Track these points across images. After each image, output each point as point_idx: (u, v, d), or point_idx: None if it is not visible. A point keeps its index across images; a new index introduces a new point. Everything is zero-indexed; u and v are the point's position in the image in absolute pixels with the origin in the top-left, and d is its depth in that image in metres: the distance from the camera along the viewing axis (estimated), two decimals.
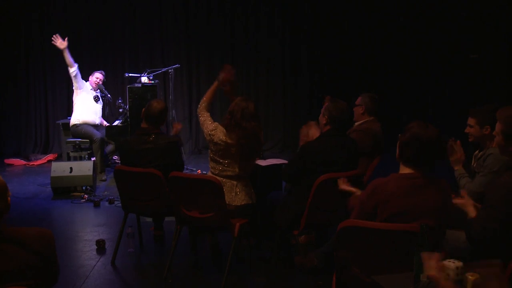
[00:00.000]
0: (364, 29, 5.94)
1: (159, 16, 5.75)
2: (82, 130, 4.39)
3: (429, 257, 1.21)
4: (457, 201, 1.80)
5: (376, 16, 5.89)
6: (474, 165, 2.22)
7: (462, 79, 5.46)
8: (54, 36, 4.37)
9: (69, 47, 4.37)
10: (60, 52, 4.37)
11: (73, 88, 4.51)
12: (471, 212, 1.73)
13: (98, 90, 4.57)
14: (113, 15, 5.69)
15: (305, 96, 5.91)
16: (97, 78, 4.49)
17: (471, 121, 2.22)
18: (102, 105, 4.64)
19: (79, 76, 4.43)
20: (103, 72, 4.62)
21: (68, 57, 4.33)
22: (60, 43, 4.32)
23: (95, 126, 4.49)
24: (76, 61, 4.43)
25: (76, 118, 4.38)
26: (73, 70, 4.35)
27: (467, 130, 2.25)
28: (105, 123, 4.63)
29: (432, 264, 1.17)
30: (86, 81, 4.56)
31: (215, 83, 2.61)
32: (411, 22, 5.74)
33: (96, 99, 4.51)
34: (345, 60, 6.02)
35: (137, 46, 5.73)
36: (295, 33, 6.07)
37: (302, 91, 6.03)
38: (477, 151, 2.25)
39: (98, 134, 4.35)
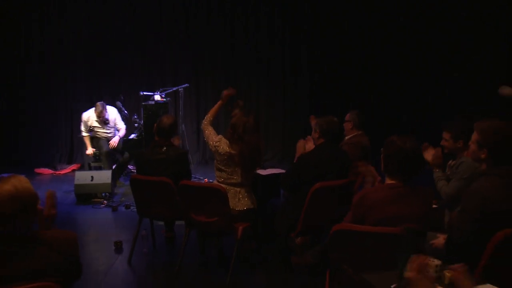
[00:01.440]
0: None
1: (169, 41, 5.93)
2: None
3: (414, 259, 1.28)
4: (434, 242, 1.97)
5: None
6: (449, 173, 2.44)
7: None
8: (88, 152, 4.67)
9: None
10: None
11: None
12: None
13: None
14: (129, 40, 5.85)
15: (303, 113, 5.79)
16: (98, 112, 4.58)
17: (445, 135, 2.44)
18: (108, 131, 4.72)
19: (83, 128, 4.66)
20: (102, 103, 4.66)
21: (88, 143, 4.70)
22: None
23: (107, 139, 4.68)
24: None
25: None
26: (86, 135, 4.66)
27: (442, 143, 2.47)
28: (113, 142, 4.68)
29: (413, 266, 1.24)
30: (90, 109, 4.69)
31: (219, 102, 2.86)
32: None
33: (92, 130, 4.65)
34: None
35: (150, 67, 5.95)
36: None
37: (301, 106, 6.02)
38: (450, 161, 2.48)
39: (103, 148, 4.58)
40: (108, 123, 4.66)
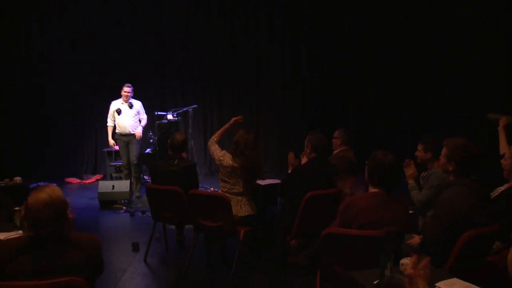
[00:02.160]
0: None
1: (180, 66, 6.14)
2: (119, 150, 5.01)
3: (411, 259, 1.37)
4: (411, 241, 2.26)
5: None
6: (422, 183, 2.77)
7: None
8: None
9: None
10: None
11: None
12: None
13: (127, 102, 4.85)
14: (144, 66, 6.06)
15: (298, 130, 5.90)
16: (124, 92, 4.87)
17: (419, 146, 2.79)
18: (132, 115, 4.87)
19: (109, 117, 4.93)
20: (128, 85, 4.87)
21: (110, 133, 5.01)
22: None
23: (129, 135, 4.88)
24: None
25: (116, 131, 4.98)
26: (110, 125, 4.96)
27: (416, 153, 2.81)
28: (138, 133, 4.88)
29: (410, 264, 1.32)
30: (119, 99, 4.94)
31: (226, 125, 3.14)
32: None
33: (118, 111, 4.84)
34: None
35: (164, 90, 6.18)
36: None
37: (295, 123, 6.10)
38: (423, 172, 2.80)
39: (125, 160, 4.87)
40: (132, 107, 4.87)
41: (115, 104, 4.96)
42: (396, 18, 5.79)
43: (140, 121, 5.00)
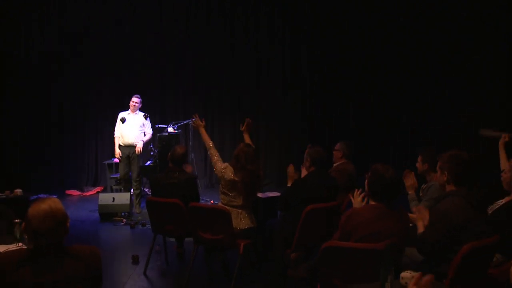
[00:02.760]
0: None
1: (182, 80, 6.18)
2: (119, 161, 4.94)
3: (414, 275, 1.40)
4: (411, 215, 2.30)
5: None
6: (421, 195, 2.83)
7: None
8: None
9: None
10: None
11: None
12: (420, 226, 2.18)
13: (134, 113, 4.82)
14: (147, 80, 6.10)
15: (298, 144, 5.92)
16: (132, 102, 4.85)
17: (419, 158, 2.88)
18: (138, 126, 4.82)
19: (116, 127, 4.88)
20: (137, 96, 4.87)
21: (117, 145, 4.87)
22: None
23: (131, 147, 4.81)
24: (117, 115, 4.86)
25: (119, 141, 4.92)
26: (117, 136, 4.87)
27: (416, 165, 2.90)
28: (138, 148, 4.83)
29: (413, 281, 1.34)
30: (126, 110, 4.90)
31: (245, 134, 3.23)
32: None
33: (122, 120, 4.82)
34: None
35: (164, 103, 6.21)
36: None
37: (295, 136, 6.13)
38: (423, 185, 2.85)
39: (123, 172, 4.81)
40: (141, 118, 4.85)
41: (122, 114, 4.93)
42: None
43: (144, 134, 4.94)
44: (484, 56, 5.28)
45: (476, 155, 2.95)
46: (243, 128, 3.27)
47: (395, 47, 5.83)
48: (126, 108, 4.94)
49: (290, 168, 3.11)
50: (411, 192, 2.77)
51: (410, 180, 2.76)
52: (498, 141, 2.96)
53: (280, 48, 6.14)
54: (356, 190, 2.40)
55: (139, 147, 4.85)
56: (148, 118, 4.98)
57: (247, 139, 3.26)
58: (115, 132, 4.95)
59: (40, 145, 6.09)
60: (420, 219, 2.21)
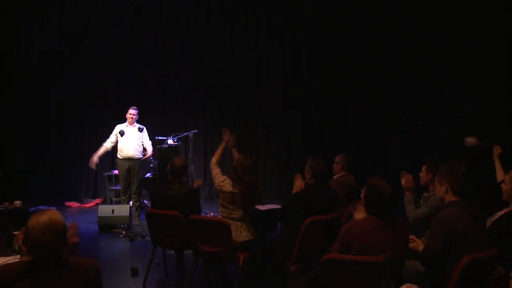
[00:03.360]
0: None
1: (182, 92, 6.18)
2: (118, 174, 4.95)
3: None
4: (411, 245, 2.30)
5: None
6: (421, 202, 2.80)
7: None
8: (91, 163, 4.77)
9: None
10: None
11: None
12: (420, 247, 2.24)
13: (132, 125, 4.78)
14: (147, 94, 6.12)
15: (297, 156, 5.91)
16: (129, 114, 4.80)
17: (423, 167, 2.84)
18: (137, 138, 4.78)
19: (110, 138, 4.82)
20: (134, 107, 4.84)
21: (102, 152, 4.81)
22: (92, 164, 4.79)
23: (131, 160, 4.77)
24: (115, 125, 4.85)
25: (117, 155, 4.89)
26: (109, 147, 4.83)
27: (420, 174, 2.87)
28: (141, 155, 4.82)
29: None
30: (123, 122, 4.87)
31: (223, 144, 3.19)
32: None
33: (121, 133, 4.77)
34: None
35: (164, 115, 6.23)
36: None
37: (294, 148, 6.12)
38: (425, 193, 2.84)
39: (123, 186, 4.78)
40: (142, 131, 4.82)
41: (119, 127, 4.88)
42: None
43: (145, 149, 4.90)
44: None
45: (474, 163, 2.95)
46: (228, 145, 3.21)
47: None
48: (125, 116, 4.91)
49: (298, 178, 3.11)
50: (408, 194, 2.77)
51: (407, 182, 2.77)
52: (485, 149, 2.98)
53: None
54: (358, 202, 2.40)
55: (149, 154, 4.88)
56: (144, 130, 4.92)
57: (236, 154, 3.24)
58: (106, 142, 4.88)
59: (39, 158, 6.11)
60: (419, 244, 2.26)
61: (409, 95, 5.81)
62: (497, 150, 2.94)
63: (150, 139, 5.03)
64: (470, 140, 3.12)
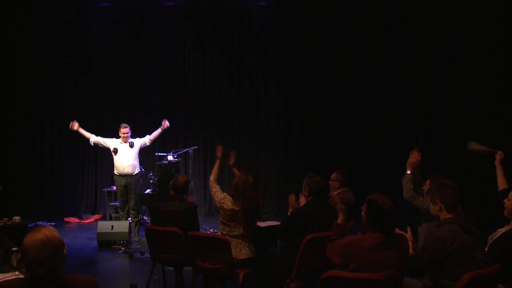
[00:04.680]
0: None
1: (183, 109, 6.31)
2: (116, 190, 4.96)
3: None
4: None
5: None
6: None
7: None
8: (71, 123, 4.82)
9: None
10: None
11: None
12: (410, 247, 2.26)
13: (127, 143, 4.78)
14: (148, 113, 6.24)
15: (296, 174, 5.98)
16: (122, 133, 4.81)
17: (427, 182, 2.82)
18: (132, 155, 4.78)
19: (99, 138, 4.85)
20: (125, 125, 4.82)
21: (84, 134, 4.87)
22: (73, 126, 4.82)
23: (127, 176, 4.78)
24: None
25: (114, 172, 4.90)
26: (91, 141, 4.87)
27: (423, 187, 2.88)
28: (137, 170, 4.84)
29: None
30: (117, 138, 4.89)
31: (218, 161, 3.24)
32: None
33: (114, 151, 4.77)
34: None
35: (165, 131, 6.08)
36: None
37: (293, 167, 6.20)
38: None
39: (121, 203, 4.80)
40: (133, 146, 4.79)
41: (112, 143, 4.87)
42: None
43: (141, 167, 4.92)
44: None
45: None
46: (224, 162, 3.28)
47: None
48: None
49: (291, 197, 3.15)
50: (409, 172, 2.79)
51: (412, 157, 2.77)
52: (487, 156, 2.87)
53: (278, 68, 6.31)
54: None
55: (167, 124, 4.84)
56: (135, 143, 4.85)
57: (236, 172, 3.29)
58: (95, 136, 4.87)
59: (39, 174, 6.14)
60: (410, 239, 2.29)
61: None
62: (500, 156, 2.80)
63: (149, 155, 5.11)
64: (473, 145, 2.97)
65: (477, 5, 4.61)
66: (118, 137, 4.94)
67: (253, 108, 6.40)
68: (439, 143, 5.34)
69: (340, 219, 2.33)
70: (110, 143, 4.89)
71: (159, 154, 5.52)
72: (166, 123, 4.89)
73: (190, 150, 5.58)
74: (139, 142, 4.95)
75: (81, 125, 4.92)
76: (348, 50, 6.16)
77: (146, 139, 4.98)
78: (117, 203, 5.19)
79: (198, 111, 6.39)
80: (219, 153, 3.25)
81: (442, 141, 5.31)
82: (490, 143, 2.96)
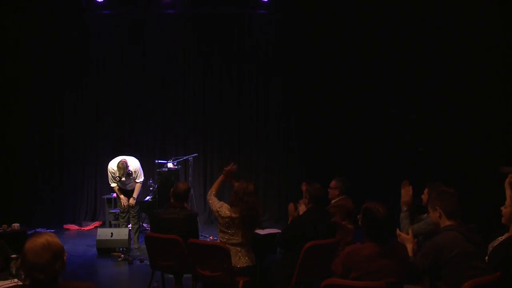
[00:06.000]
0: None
1: (183, 116, 6.33)
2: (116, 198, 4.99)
3: None
4: (402, 235, 2.40)
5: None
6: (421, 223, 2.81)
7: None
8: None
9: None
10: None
11: None
12: (409, 249, 2.30)
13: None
14: (148, 120, 6.28)
15: (295, 181, 5.82)
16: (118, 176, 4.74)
17: (425, 190, 2.90)
18: (130, 181, 4.84)
19: (110, 182, 4.82)
20: (123, 162, 4.74)
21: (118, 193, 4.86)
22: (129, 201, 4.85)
23: (127, 192, 4.86)
24: (117, 149, 5.07)
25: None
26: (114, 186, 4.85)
27: (422, 196, 2.94)
28: (132, 202, 4.84)
29: None
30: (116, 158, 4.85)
31: (221, 176, 3.24)
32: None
33: (116, 179, 4.76)
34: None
35: (165, 139, 6.31)
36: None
37: (293, 175, 6.22)
38: (425, 214, 2.86)
39: (122, 208, 4.82)
40: (132, 175, 4.83)
41: (114, 169, 4.79)
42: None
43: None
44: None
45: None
46: (227, 178, 3.26)
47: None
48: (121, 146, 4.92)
49: (291, 206, 3.17)
50: (405, 209, 2.81)
51: (406, 196, 2.79)
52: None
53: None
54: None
55: (132, 203, 4.85)
56: (133, 174, 4.85)
57: (235, 184, 3.24)
58: (111, 184, 4.88)
59: (39, 181, 6.13)
60: (408, 241, 2.33)
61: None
62: (510, 178, 2.68)
63: (149, 163, 5.07)
64: (505, 169, 3.04)
65: (477, 5, 4.64)
66: (118, 149, 4.97)
67: (253, 115, 6.40)
68: (438, 148, 5.38)
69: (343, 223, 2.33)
70: (110, 172, 4.85)
71: (159, 161, 5.52)
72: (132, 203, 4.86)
73: (190, 157, 5.59)
74: (135, 171, 4.89)
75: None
76: (348, 51, 6.15)
77: (138, 180, 4.93)
78: (117, 210, 5.20)
79: (198, 118, 6.41)
80: (228, 169, 3.20)
81: (442, 146, 5.34)
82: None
